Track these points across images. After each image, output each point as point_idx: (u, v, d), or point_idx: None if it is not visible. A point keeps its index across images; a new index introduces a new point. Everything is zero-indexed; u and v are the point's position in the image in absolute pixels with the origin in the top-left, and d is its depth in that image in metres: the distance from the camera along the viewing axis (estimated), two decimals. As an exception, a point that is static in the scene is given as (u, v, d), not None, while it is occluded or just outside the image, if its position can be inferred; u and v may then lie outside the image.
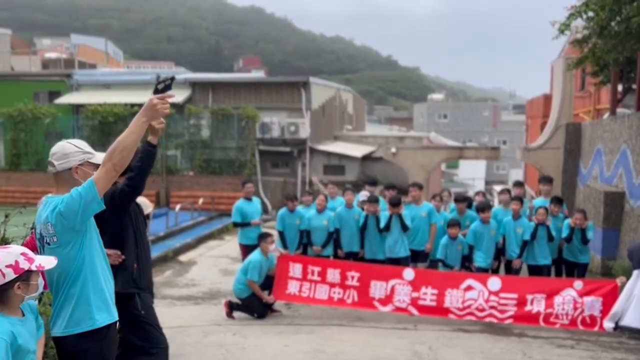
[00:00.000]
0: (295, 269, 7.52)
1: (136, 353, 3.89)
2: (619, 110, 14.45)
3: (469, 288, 7.00)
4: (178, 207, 15.84)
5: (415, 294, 7.11)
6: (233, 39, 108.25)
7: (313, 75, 23.96)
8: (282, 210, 8.66)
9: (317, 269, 7.47)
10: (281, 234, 8.55)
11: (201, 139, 20.36)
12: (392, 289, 7.17)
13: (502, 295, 6.88)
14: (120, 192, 3.77)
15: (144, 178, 3.70)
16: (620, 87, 14.11)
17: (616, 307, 6.49)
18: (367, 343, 6.29)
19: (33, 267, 2.50)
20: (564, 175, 15.03)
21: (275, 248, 7.83)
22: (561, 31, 9.37)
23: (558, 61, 19.01)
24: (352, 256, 8.45)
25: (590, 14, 9.05)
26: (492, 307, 6.90)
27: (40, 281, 2.60)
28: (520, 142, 45.44)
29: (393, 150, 18.38)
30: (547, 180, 9.26)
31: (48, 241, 2.92)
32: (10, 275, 2.44)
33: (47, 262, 2.57)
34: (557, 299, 6.77)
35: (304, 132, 20.34)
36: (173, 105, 20.61)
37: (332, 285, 7.39)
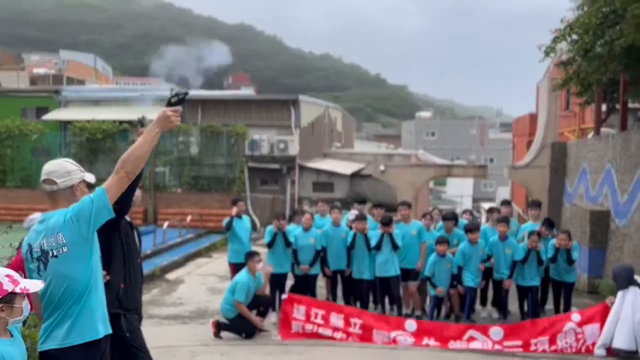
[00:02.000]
0: (300, 311, 7.42)
1: None
2: (603, 130, 14.70)
3: (472, 339, 6.98)
4: (166, 224, 15.73)
5: (417, 346, 7.05)
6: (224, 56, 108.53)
7: (302, 93, 24.11)
8: (270, 227, 8.56)
9: (320, 312, 7.35)
10: (269, 246, 8.41)
11: (190, 155, 20.32)
12: (394, 340, 7.13)
13: (505, 343, 6.89)
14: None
15: (130, 196, 3.65)
16: (604, 107, 14.36)
17: (605, 333, 6.53)
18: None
19: (17, 290, 2.47)
20: (550, 194, 15.18)
21: (262, 267, 7.80)
22: (547, 54, 9.56)
23: (543, 81, 19.34)
24: (339, 274, 8.44)
25: (575, 37, 9.25)
26: (497, 352, 6.89)
27: (26, 304, 2.56)
28: (507, 160, 45.83)
29: (382, 168, 18.49)
30: (536, 204, 9.37)
31: (56, 254, 2.89)
32: None
33: (33, 285, 2.54)
34: (560, 336, 6.82)
35: (293, 149, 20.39)
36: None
37: (335, 329, 7.29)
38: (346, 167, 21.42)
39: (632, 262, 8.55)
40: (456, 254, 8.02)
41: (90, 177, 3.22)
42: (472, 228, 8.01)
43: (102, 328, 3.01)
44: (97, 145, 19.88)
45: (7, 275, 2.48)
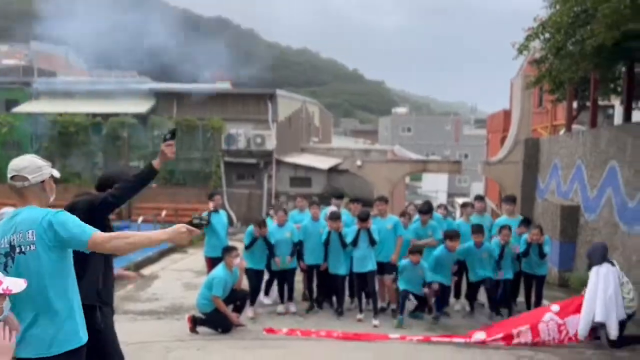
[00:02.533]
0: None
1: None
2: (574, 126, 15.01)
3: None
4: (140, 219, 15.56)
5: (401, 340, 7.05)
6: (199, 49, 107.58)
7: (279, 87, 24.03)
8: (251, 228, 8.42)
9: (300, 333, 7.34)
10: (247, 247, 8.39)
11: (165, 150, 20.09)
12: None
13: (488, 339, 6.96)
14: (103, 200, 3.80)
15: (131, 195, 3.89)
16: (575, 105, 14.67)
17: (585, 311, 6.69)
18: (335, 356, 6.30)
19: (0, 290, 2.42)
20: (522, 189, 15.47)
21: (239, 262, 7.78)
22: (520, 51, 9.71)
23: (517, 79, 19.66)
24: (315, 268, 8.48)
25: (547, 35, 9.41)
26: (480, 343, 6.96)
27: (7, 304, 2.52)
28: (481, 155, 46.46)
29: (359, 163, 18.59)
30: (510, 200, 9.46)
31: (24, 250, 2.87)
32: None
33: (15, 284, 2.50)
34: (542, 326, 6.91)
35: (270, 143, 20.35)
36: (136, 115, 20.42)
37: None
38: (323, 162, 21.46)
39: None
40: (430, 260, 8.08)
41: (56, 173, 3.18)
42: (452, 235, 7.96)
43: (83, 334, 3.01)
44: (69, 139, 19.52)
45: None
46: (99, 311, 3.88)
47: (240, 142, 20.31)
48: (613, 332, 6.57)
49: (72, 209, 3.59)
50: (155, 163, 3.81)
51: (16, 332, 2.60)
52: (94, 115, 19.47)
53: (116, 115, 20.11)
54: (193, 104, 20.34)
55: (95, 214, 3.76)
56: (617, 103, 16.65)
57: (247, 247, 8.32)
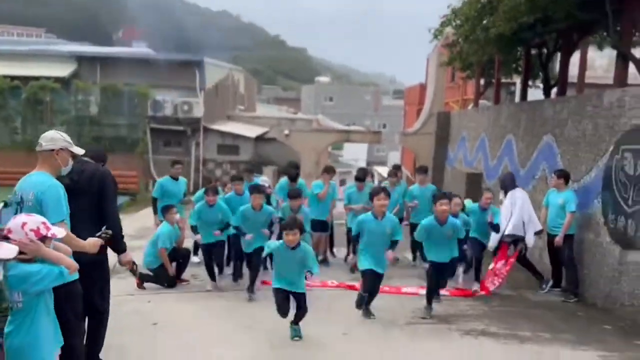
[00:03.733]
0: None
1: (92, 313, 4.44)
2: (482, 102, 16.68)
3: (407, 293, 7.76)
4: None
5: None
6: (112, 7, 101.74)
7: (197, 50, 23.95)
8: (201, 204, 7.95)
9: None
10: (194, 228, 7.95)
11: (89, 115, 19.79)
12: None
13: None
14: (107, 189, 4.51)
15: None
16: (482, 82, 16.28)
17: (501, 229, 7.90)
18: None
19: (49, 234, 3.11)
20: (434, 158, 17.04)
21: (179, 218, 8.45)
22: (435, 36, 10.89)
23: (433, 55, 21.08)
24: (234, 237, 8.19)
25: (459, 22, 10.64)
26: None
27: (52, 246, 3.19)
28: (399, 126, 48.59)
29: (286, 132, 19.37)
30: (423, 170, 10.11)
31: (27, 203, 3.65)
32: (33, 238, 3.04)
33: (59, 232, 3.18)
34: (487, 281, 7.97)
35: (198, 111, 20.60)
36: (57, 79, 19.81)
37: None
38: (251, 131, 22.01)
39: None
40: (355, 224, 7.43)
41: (79, 150, 4.00)
42: (376, 192, 6.99)
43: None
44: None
45: (42, 222, 3.10)
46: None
47: (167, 109, 20.39)
48: (531, 242, 7.94)
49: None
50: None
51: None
52: (12, 78, 18.71)
53: (36, 79, 19.44)
54: (118, 69, 20.07)
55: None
56: (518, 81, 18.55)
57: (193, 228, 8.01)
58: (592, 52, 13.79)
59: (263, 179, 10.07)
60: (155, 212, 9.19)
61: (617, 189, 7.14)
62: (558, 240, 7.69)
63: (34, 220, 3.10)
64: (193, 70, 21.01)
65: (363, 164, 49.35)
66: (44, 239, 3.08)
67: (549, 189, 8.35)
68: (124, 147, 19.84)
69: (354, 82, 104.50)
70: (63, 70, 20.10)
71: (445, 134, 16.95)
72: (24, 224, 3.05)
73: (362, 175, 9.52)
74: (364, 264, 6.47)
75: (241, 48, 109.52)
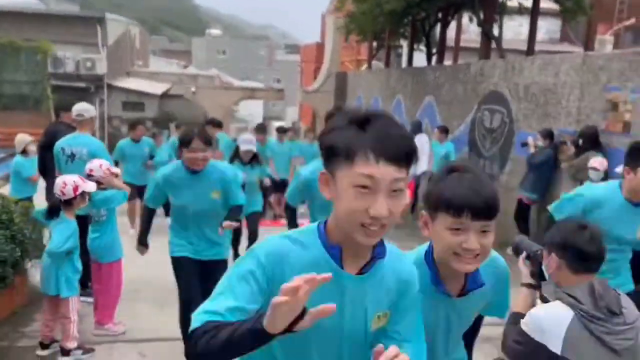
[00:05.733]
0: None
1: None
2: (374, 63, 18.73)
3: None
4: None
5: None
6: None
7: None
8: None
9: None
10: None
11: (-16, 71, 19.10)
12: None
13: None
14: None
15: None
16: (375, 44, 18.26)
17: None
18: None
19: (87, 189, 4.13)
20: (334, 114, 18.95)
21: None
22: (337, 8, 12.54)
23: (330, 16, 22.71)
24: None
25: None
26: None
27: (86, 199, 4.22)
28: (292, 81, 50.06)
29: (193, 89, 20.14)
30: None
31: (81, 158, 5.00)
32: (107, 173, 4.39)
33: (118, 170, 4.47)
34: None
35: (101, 68, 20.59)
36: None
37: None
38: (156, 88, 22.38)
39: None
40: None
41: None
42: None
43: None
44: None
45: (80, 178, 4.17)
46: None
47: (69, 66, 20.17)
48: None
49: None
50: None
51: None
52: None
53: None
54: (16, 23, 19.38)
55: None
56: (405, 44, 20.83)
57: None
58: (467, 19, 16.21)
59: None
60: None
61: (478, 138, 9.45)
62: None
63: (105, 163, 4.42)
64: (94, 26, 20.81)
65: (259, 120, 50.52)
66: (83, 193, 4.16)
67: (432, 141, 10.52)
68: (26, 105, 19.46)
69: (245, 35, 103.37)
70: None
71: (343, 92, 18.86)
72: (101, 165, 4.36)
73: (262, 128, 9.69)
74: None
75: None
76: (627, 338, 2.21)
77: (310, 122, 24.49)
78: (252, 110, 50.70)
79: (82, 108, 5.13)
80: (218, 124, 9.17)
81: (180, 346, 3.66)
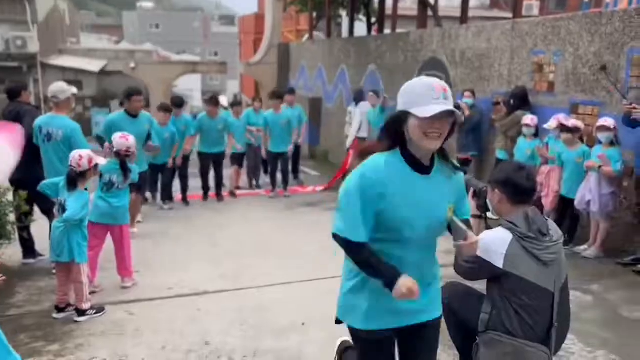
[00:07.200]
0: None
1: None
2: (316, 34, 18.98)
3: None
4: None
5: None
6: None
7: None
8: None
9: None
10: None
11: None
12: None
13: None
14: None
15: None
16: (315, 15, 18.50)
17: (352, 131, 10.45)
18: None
19: (99, 162, 4.51)
20: (278, 87, 19.16)
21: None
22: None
23: (267, -14, 22.51)
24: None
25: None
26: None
27: (96, 173, 4.57)
28: (230, 54, 49.38)
29: (132, 65, 19.72)
30: (276, 95, 10.09)
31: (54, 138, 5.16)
32: (134, 150, 4.90)
33: (102, 160, 4.62)
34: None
35: (33, 46, 19.79)
36: None
37: None
38: (93, 65, 21.74)
39: (338, 134, 12.95)
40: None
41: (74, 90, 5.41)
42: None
43: None
44: None
45: (93, 151, 4.46)
46: None
47: (-2, 45, 19.28)
48: (350, 140, 10.52)
49: None
50: None
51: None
52: None
53: None
54: None
55: None
56: (344, 14, 21.16)
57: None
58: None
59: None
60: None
61: (420, 104, 10.05)
62: None
63: (85, 154, 4.45)
64: (22, 2, 19.87)
65: (198, 94, 49.73)
66: (96, 166, 4.49)
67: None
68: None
69: (177, 7, 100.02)
70: None
71: (286, 63, 19.06)
72: (81, 156, 4.46)
73: (215, 101, 9.35)
74: None
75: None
76: (553, 252, 2.83)
77: (254, 93, 24.53)
78: (192, 85, 49.83)
79: (56, 90, 5.20)
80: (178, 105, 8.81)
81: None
